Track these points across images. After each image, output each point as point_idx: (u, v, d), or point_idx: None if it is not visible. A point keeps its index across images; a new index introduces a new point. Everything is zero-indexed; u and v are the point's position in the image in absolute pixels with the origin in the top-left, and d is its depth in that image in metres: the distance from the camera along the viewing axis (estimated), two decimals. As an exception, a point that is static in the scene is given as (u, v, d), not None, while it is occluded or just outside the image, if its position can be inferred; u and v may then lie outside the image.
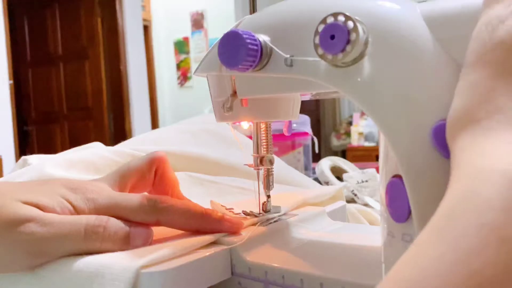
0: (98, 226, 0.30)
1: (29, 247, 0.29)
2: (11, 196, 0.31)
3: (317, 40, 0.25)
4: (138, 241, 0.31)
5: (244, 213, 0.39)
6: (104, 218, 0.31)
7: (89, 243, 0.30)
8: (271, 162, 0.38)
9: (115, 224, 0.31)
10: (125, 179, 0.36)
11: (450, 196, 0.16)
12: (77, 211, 0.32)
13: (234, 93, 0.33)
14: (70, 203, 0.32)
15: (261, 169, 0.38)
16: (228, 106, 0.33)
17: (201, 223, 0.33)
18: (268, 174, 0.39)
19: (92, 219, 0.31)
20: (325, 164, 0.80)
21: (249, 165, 0.38)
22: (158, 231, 0.34)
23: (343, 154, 4.34)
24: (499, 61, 0.16)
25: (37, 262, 0.30)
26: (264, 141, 0.38)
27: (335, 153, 4.35)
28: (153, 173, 0.37)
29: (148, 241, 0.32)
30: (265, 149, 0.39)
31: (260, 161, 0.38)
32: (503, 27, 0.16)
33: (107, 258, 0.29)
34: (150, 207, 0.32)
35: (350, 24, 0.24)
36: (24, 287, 0.31)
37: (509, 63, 0.16)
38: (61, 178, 0.39)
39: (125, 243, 0.31)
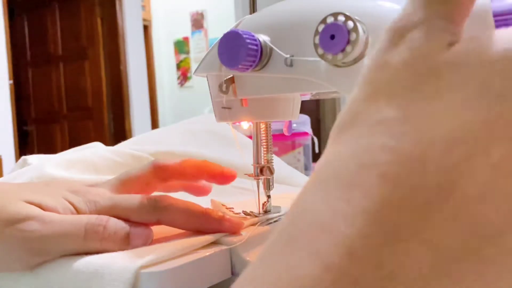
0: (98, 226, 0.30)
1: (30, 245, 0.29)
2: (14, 195, 0.31)
3: (317, 40, 0.25)
4: (138, 241, 0.31)
5: (244, 213, 0.39)
6: (104, 218, 0.31)
7: (89, 242, 0.30)
8: (271, 171, 0.38)
9: (115, 224, 0.31)
10: (125, 186, 0.37)
11: (287, 217, 0.16)
12: (78, 212, 0.32)
13: (231, 78, 0.33)
14: (72, 204, 0.32)
15: (261, 179, 0.38)
16: (224, 89, 0.32)
17: (201, 222, 0.33)
18: (268, 174, 0.39)
19: (93, 218, 0.31)
20: (325, 164, 0.80)
21: (249, 175, 0.39)
22: (158, 231, 0.34)
23: (343, 154, 4.33)
24: (376, 81, 0.17)
25: (36, 261, 0.30)
26: (264, 141, 0.38)
27: (335, 153, 4.33)
28: (155, 182, 0.38)
29: (148, 241, 0.32)
30: (265, 150, 0.39)
31: (260, 170, 0.38)
32: (391, 53, 0.17)
33: (106, 258, 0.29)
34: (151, 206, 0.32)
35: (350, 24, 0.24)
36: (24, 287, 0.31)
37: (385, 86, 0.17)
38: (63, 181, 0.39)
39: (125, 243, 0.31)
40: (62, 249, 0.30)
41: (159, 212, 0.33)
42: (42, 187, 0.34)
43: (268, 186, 0.39)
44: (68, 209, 0.32)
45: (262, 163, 0.38)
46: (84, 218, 0.31)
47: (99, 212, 0.32)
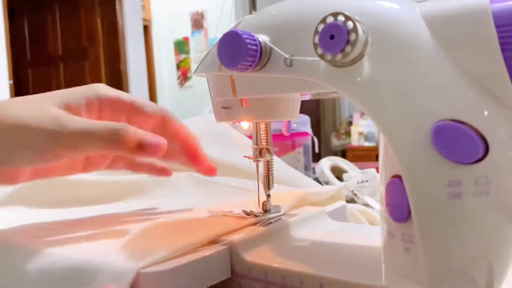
0: (118, 130, 0.33)
1: (61, 135, 0.33)
2: (47, 101, 0.37)
3: (316, 40, 0.25)
4: (152, 148, 0.34)
5: (244, 213, 0.39)
6: (125, 124, 0.34)
7: (109, 144, 0.33)
8: (270, 153, 0.38)
9: (133, 130, 0.34)
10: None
11: None
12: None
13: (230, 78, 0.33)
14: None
15: (261, 160, 0.38)
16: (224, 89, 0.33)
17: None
18: (268, 174, 0.39)
19: (114, 123, 0.34)
20: (325, 164, 0.80)
21: (249, 157, 0.38)
22: (158, 231, 0.34)
23: (343, 154, 4.34)
24: None
25: (48, 155, 0.34)
26: (264, 141, 0.38)
27: (335, 153, 4.34)
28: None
29: (162, 150, 0.34)
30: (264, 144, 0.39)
31: (259, 152, 0.38)
32: None
33: (106, 257, 0.29)
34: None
35: (350, 24, 0.24)
36: (24, 285, 0.31)
37: None
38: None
39: (140, 149, 0.33)
40: (82, 147, 0.33)
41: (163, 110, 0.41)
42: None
43: (268, 185, 0.39)
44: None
45: (261, 145, 0.38)
46: (108, 123, 0.34)
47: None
